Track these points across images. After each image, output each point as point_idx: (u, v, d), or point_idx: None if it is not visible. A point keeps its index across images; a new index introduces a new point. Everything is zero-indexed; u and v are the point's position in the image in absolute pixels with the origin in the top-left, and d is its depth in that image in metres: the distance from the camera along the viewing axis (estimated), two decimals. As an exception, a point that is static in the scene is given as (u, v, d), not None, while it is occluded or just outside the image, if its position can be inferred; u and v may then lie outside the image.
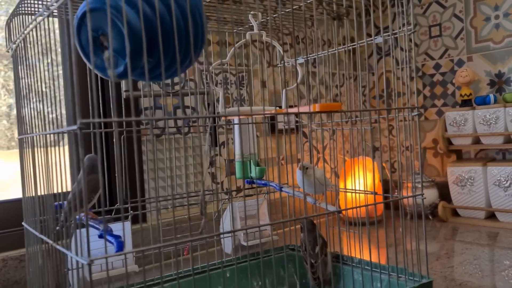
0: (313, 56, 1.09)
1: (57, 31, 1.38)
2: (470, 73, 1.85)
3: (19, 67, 0.81)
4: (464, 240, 1.60)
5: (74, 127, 0.55)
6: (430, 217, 1.94)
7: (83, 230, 0.60)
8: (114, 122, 0.56)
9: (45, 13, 0.61)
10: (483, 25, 1.93)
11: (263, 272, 1.05)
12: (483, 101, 1.80)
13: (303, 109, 0.75)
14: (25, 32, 0.72)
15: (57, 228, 0.74)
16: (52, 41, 0.67)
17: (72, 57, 0.56)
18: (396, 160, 2.16)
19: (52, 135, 0.69)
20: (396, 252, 0.96)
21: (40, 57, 0.75)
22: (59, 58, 1.33)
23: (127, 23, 0.59)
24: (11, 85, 1.50)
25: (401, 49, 2.13)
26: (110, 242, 0.65)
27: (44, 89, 0.76)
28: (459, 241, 1.60)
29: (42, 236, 0.73)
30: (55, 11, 0.61)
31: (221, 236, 1.11)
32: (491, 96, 1.78)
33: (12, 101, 1.52)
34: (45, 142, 0.73)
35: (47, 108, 0.72)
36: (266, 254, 1.14)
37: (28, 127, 0.83)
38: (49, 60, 0.72)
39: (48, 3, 0.60)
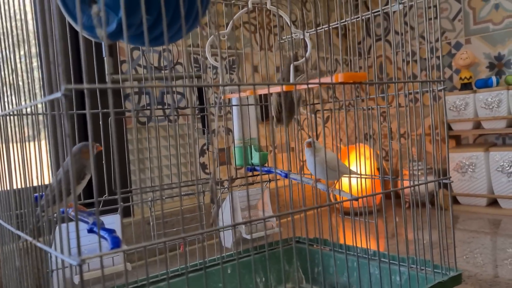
0: (320, 29, 0.99)
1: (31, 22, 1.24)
2: (470, 55, 1.78)
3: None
4: (468, 229, 1.54)
5: (58, 94, 0.44)
6: (429, 205, 1.87)
7: (70, 224, 0.49)
8: (109, 90, 0.45)
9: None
10: (482, 5, 1.86)
11: (268, 268, 0.95)
12: (485, 84, 1.73)
13: (325, 80, 0.65)
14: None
15: (38, 222, 0.63)
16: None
17: (53, 11, 0.44)
18: (405, 145, 2.09)
19: (27, 110, 0.57)
20: (417, 243, 0.87)
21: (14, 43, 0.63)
22: (33, 50, 1.19)
23: (120, -33, 0.48)
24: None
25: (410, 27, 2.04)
26: (103, 237, 0.54)
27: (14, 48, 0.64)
28: (462, 230, 1.54)
29: (19, 232, 0.61)
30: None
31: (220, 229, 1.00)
32: (493, 78, 1.72)
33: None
34: (20, 122, 0.62)
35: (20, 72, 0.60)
36: (270, 247, 1.04)
37: None
38: (26, 49, 0.60)
39: None
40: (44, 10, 0.98)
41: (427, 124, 2.03)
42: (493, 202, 1.76)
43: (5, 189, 0.76)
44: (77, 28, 0.50)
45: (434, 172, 0.87)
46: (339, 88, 2.09)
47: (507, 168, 1.64)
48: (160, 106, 1.50)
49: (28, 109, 0.61)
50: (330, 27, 1.02)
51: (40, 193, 0.74)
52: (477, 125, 1.79)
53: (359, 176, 1.00)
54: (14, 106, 0.61)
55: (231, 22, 0.90)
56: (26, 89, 0.58)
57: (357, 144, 0.98)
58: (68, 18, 0.53)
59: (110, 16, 0.51)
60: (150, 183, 1.37)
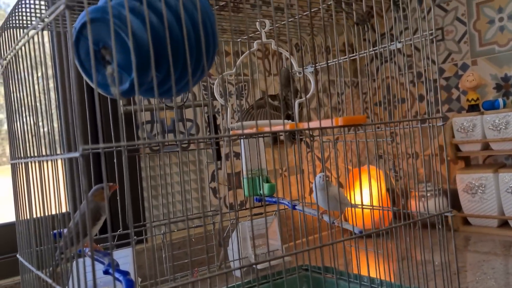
0: (323, 64, 1.03)
1: (47, 44, 1.30)
2: (476, 77, 1.80)
3: (10, 83, 0.74)
4: (480, 251, 1.54)
5: (76, 154, 0.48)
6: (440, 226, 1.87)
7: (86, 264, 0.53)
8: (123, 147, 0.49)
9: (39, 26, 0.54)
10: (487, 28, 1.89)
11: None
12: (492, 106, 1.75)
13: (325, 123, 0.69)
14: (17, 47, 0.65)
15: (57, 264, 0.67)
16: (44, 55, 0.60)
17: (71, 75, 0.49)
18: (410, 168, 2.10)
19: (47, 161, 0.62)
20: (424, 269, 0.89)
21: (33, 71, 0.68)
22: (50, 71, 1.25)
23: (132, 34, 0.52)
24: (1, 100, 1.42)
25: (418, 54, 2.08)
26: (118, 280, 0.58)
27: (37, 104, 0.69)
28: (474, 252, 1.54)
29: (40, 273, 0.65)
30: (50, 23, 0.54)
31: (230, 259, 1.04)
32: (500, 100, 1.73)
33: (2, 116, 1.44)
34: (40, 168, 0.66)
35: (41, 124, 0.65)
36: (277, 276, 1.06)
37: (21, 149, 0.76)
38: (40, 74, 0.65)
39: (43, 15, 0.53)
40: (63, 74, 1.04)
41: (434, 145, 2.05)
42: (504, 224, 1.76)
43: (25, 224, 0.80)
44: (93, 85, 0.54)
45: (439, 192, 0.90)
46: (348, 110, 2.12)
47: (516, 190, 1.65)
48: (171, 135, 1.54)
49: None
50: (341, 61, 1.05)
51: (58, 230, 0.78)
52: (486, 146, 1.80)
53: (361, 207, 1.02)
54: (36, 154, 0.66)
55: (238, 61, 0.94)
56: (47, 140, 0.62)
57: (367, 166, 1.01)
58: (85, 77, 0.58)
59: (123, 76, 0.55)
60: (161, 209, 1.41)
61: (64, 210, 0.68)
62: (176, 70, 0.58)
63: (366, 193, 1.78)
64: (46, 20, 0.52)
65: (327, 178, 0.86)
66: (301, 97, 0.93)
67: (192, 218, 1.06)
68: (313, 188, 0.92)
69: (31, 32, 0.56)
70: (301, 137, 1.14)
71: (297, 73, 0.91)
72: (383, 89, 2.02)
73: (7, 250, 1.26)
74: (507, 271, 1.32)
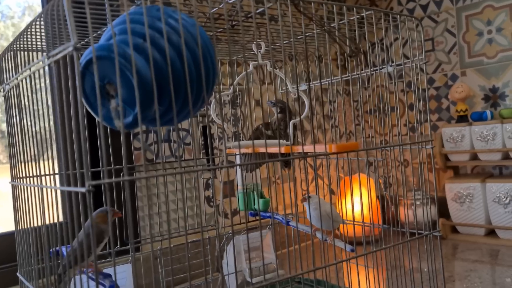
0: (317, 83, 1.06)
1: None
2: (465, 88, 1.84)
3: (12, 109, 0.76)
4: (468, 259, 1.58)
5: (83, 189, 0.50)
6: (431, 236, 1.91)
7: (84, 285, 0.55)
8: (125, 182, 0.51)
9: (47, 61, 0.56)
10: (476, 40, 1.93)
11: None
12: (480, 117, 1.79)
13: (319, 148, 0.71)
14: (20, 77, 0.67)
15: (60, 282, 0.69)
16: (47, 85, 0.62)
17: (79, 112, 0.51)
18: (392, 175, 2.14)
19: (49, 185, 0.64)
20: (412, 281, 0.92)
21: (34, 100, 0.70)
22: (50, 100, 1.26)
23: (136, 72, 0.55)
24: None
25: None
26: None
27: (39, 131, 0.71)
28: (460, 260, 1.58)
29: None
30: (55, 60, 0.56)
31: (225, 273, 1.06)
32: (488, 112, 1.78)
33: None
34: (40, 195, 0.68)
35: (41, 151, 0.67)
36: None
37: (22, 170, 0.78)
38: (43, 104, 0.67)
39: (50, 54, 0.55)
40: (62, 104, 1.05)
41: (424, 154, 2.09)
42: (491, 232, 1.81)
43: (25, 242, 0.82)
44: (98, 119, 0.56)
45: (427, 202, 0.93)
46: (340, 118, 2.15)
47: (503, 199, 1.69)
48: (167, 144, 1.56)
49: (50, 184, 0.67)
50: (334, 81, 1.08)
51: (55, 248, 0.80)
52: (474, 156, 1.85)
53: (353, 223, 1.05)
54: (37, 182, 0.68)
55: (234, 83, 0.97)
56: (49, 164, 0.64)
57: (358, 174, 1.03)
58: (89, 110, 0.60)
59: (127, 110, 0.58)
60: (158, 227, 1.43)
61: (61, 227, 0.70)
62: (177, 102, 0.60)
63: (357, 200, 1.81)
64: (51, 59, 0.54)
65: (310, 196, 0.89)
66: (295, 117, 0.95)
67: (190, 233, 1.08)
68: (305, 206, 0.95)
69: (35, 67, 0.58)
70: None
71: (291, 93, 0.94)
72: (373, 98, 2.05)
73: (7, 259, 1.27)
74: (494, 281, 1.36)
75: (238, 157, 1.02)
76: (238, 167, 1.13)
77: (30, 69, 0.62)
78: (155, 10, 0.60)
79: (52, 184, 0.61)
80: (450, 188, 1.83)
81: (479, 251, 1.67)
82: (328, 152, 0.70)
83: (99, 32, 0.77)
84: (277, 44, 1.00)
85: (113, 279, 0.70)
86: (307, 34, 0.90)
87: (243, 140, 1.39)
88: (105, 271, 0.80)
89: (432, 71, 2.07)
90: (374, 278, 1.00)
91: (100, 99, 0.55)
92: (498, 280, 1.36)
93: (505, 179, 1.72)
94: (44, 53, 0.58)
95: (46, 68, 0.58)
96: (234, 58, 1.07)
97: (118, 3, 0.64)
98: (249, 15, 0.79)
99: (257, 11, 0.75)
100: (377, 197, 1.94)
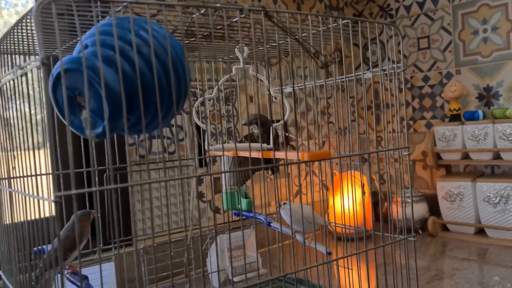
0: (301, 86, 1.07)
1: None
2: (459, 87, 1.84)
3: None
4: (456, 257, 1.60)
5: (51, 199, 0.52)
6: (420, 231, 1.93)
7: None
8: (111, 190, 0.53)
9: (18, 72, 0.57)
10: (471, 38, 1.92)
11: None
12: (472, 117, 1.79)
13: (291, 155, 0.73)
14: (1, 81, 0.68)
15: (37, 284, 0.71)
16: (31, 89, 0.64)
17: (49, 121, 0.52)
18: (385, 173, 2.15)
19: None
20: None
21: (17, 101, 0.71)
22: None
23: (105, 85, 0.56)
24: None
25: (392, 61, 2.11)
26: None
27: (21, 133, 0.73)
28: (449, 258, 1.60)
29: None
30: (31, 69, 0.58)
31: (208, 271, 1.08)
32: (480, 112, 1.78)
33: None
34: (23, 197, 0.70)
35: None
36: None
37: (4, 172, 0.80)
38: (27, 106, 0.69)
39: (22, 65, 0.56)
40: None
41: (418, 151, 2.10)
42: (481, 231, 1.82)
43: (6, 243, 0.84)
44: (70, 128, 0.58)
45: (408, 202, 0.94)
46: (333, 113, 2.16)
47: (493, 199, 1.70)
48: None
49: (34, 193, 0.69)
50: (317, 84, 1.09)
51: (38, 247, 0.82)
52: (466, 155, 1.85)
53: (335, 225, 1.07)
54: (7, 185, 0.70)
55: (216, 87, 0.98)
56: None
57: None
58: (61, 118, 0.62)
59: (97, 121, 0.59)
60: (142, 224, 1.45)
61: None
62: (148, 113, 0.61)
63: (348, 198, 1.83)
64: (20, 71, 0.55)
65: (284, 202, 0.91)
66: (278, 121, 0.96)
67: (174, 232, 1.11)
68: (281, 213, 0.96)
69: (9, 77, 0.60)
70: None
71: (273, 98, 0.95)
72: (367, 95, 2.05)
73: None
74: (480, 280, 1.38)
75: (224, 158, 1.04)
76: (223, 167, 1.14)
77: (0, 80, 0.63)
78: (127, 22, 0.62)
79: (25, 190, 0.62)
80: (441, 187, 1.84)
81: (467, 249, 1.69)
82: (300, 161, 0.72)
83: (74, 41, 0.78)
84: (260, 48, 1.01)
85: (100, 276, 0.73)
86: (280, 42, 0.91)
87: (239, 138, 1.41)
88: (85, 271, 0.82)
89: (427, 68, 2.07)
90: (352, 279, 1.02)
91: (68, 110, 0.57)
92: (484, 279, 1.38)
93: (496, 178, 1.73)
94: (16, 66, 0.60)
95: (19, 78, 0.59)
96: (219, 60, 1.08)
97: (91, 14, 0.65)
98: (227, 23, 0.80)
99: (234, 20, 0.76)
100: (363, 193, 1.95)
